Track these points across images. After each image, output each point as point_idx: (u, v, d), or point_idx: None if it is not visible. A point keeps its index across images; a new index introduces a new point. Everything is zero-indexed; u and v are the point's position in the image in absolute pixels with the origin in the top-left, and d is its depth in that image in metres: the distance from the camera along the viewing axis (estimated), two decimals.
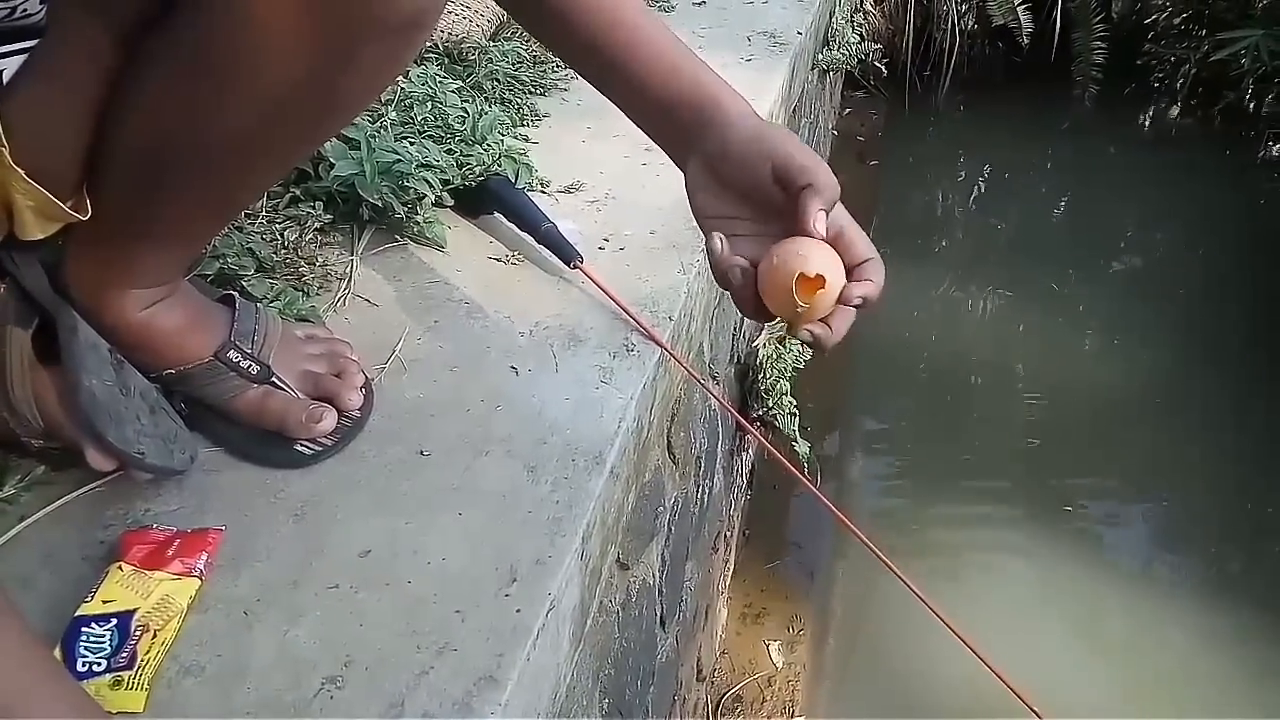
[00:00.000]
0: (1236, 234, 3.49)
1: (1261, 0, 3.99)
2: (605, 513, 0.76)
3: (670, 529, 1.17)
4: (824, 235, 0.65)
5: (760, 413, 1.81)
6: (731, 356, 1.65)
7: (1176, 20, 4.46)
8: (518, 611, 0.62)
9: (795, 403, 1.81)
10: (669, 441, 1.11)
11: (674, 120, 0.71)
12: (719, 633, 1.87)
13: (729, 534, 1.90)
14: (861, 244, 0.67)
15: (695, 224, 0.74)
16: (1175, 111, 4.53)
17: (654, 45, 0.70)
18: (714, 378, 1.41)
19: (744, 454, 2.01)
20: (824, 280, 0.63)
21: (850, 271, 0.67)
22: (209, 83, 0.55)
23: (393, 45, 0.54)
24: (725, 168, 0.69)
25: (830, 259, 0.65)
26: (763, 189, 0.68)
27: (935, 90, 4.15)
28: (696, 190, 0.71)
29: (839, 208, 0.68)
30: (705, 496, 1.46)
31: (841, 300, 0.65)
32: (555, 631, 0.66)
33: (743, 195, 0.69)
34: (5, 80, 0.55)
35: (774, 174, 0.67)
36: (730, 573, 1.98)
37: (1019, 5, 3.96)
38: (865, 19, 3.75)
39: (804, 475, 1.02)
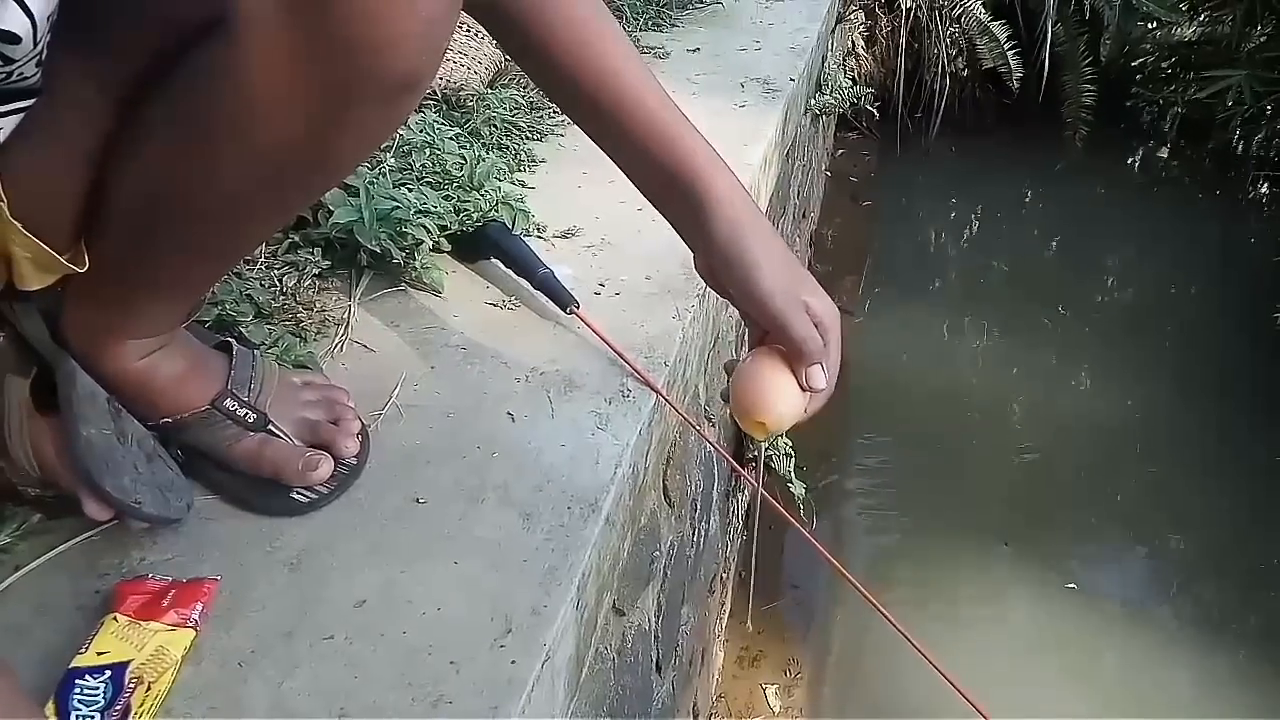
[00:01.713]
0: (1226, 272, 3.52)
1: (1246, 44, 4.06)
2: (601, 560, 0.76)
3: (666, 573, 1.17)
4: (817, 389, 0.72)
5: (755, 454, 1.81)
6: (727, 398, 1.65)
7: (1164, 64, 4.54)
8: (513, 663, 0.62)
9: (791, 443, 1.81)
10: (665, 485, 1.11)
11: (671, 201, 0.76)
12: (715, 676, 1.85)
13: (725, 576, 1.89)
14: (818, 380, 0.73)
15: (690, 269, 0.77)
16: (1164, 152, 4.59)
17: (652, 120, 0.74)
18: (709, 420, 1.41)
19: (739, 495, 2.01)
20: (765, 428, 0.72)
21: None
22: (204, 143, 0.56)
23: (386, 107, 0.54)
24: (724, 282, 0.74)
25: (783, 395, 0.72)
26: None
27: (926, 132, 4.20)
28: (707, 279, 0.77)
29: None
30: (701, 539, 1.46)
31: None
32: (550, 682, 0.66)
33: None
34: (3, 138, 0.56)
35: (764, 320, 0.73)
36: (726, 615, 1.97)
37: (1008, 49, 4.02)
38: (857, 63, 3.82)
39: (796, 518, 1.03)
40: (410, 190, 1.05)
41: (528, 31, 0.73)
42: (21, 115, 0.55)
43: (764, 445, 1.75)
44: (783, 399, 0.71)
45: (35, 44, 0.51)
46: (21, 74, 0.53)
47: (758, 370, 0.73)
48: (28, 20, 0.50)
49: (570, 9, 0.73)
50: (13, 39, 0.49)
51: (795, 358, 0.72)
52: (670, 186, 0.74)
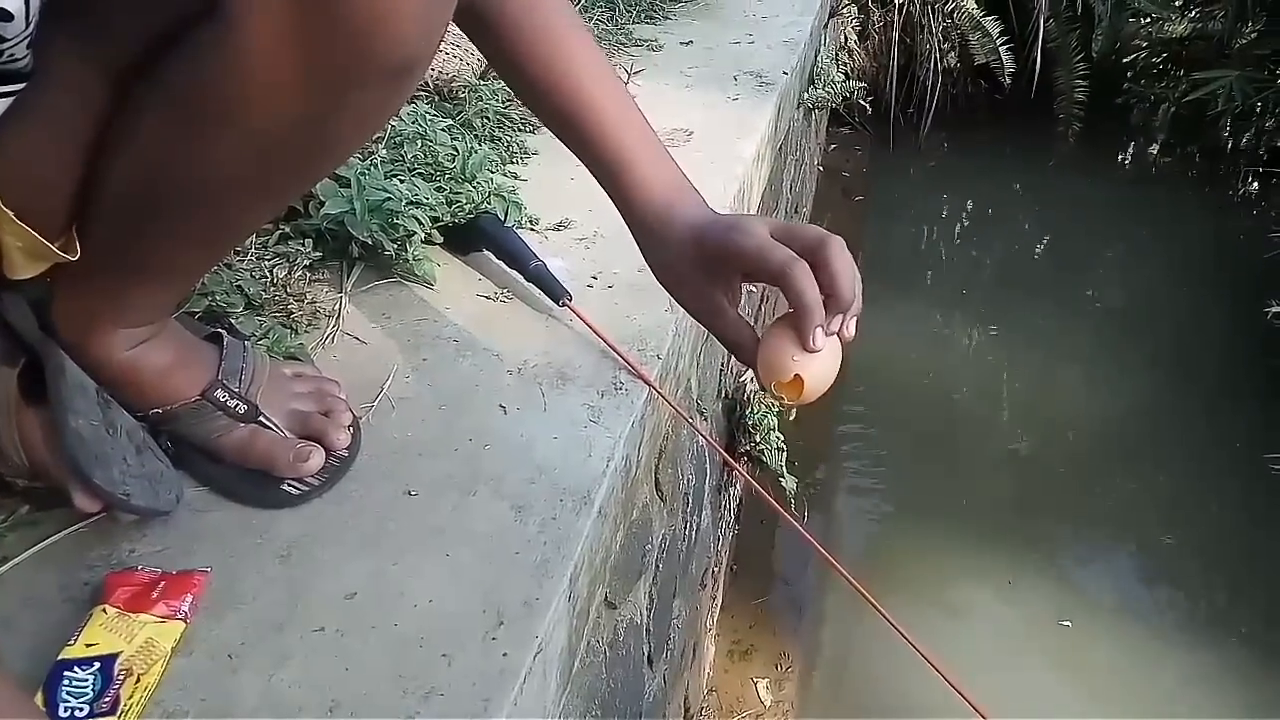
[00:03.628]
0: (1216, 269, 3.53)
1: (1237, 41, 4.08)
2: (593, 553, 0.76)
3: (658, 566, 1.17)
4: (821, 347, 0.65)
5: (748, 447, 1.81)
6: (719, 392, 1.65)
7: (1155, 60, 4.55)
8: (504, 655, 0.62)
9: (783, 437, 1.81)
10: (657, 479, 1.11)
11: (629, 219, 0.76)
12: (707, 670, 1.86)
13: (716, 570, 1.89)
14: (845, 289, 0.66)
15: None
16: (1155, 149, 4.60)
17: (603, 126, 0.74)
18: (701, 414, 1.41)
19: (731, 489, 2.01)
20: (802, 383, 0.65)
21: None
22: (199, 126, 0.56)
23: (383, 92, 0.54)
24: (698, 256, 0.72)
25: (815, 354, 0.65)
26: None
27: (919, 127, 4.20)
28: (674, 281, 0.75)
29: (781, 230, 0.68)
30: (693, 533, 1.46)
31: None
32: (542, 674, 0.66)
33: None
34: None
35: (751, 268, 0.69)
36: (718, 609, 1.97)
37: (1000, 44, 4.02)
38: (850, 58, 3.81)
39: (788, 512, 1.03)
40: (402, 182, 1.05)
41: (501, 42, 0.75)
42: (11, 100, 0.55)
43: (771, 434, 1.75)
44: (804, 356, 0.66)
45: (27, 23, 0.51)
46: (12, 55, 0.52)
47: (778, 331, 0.68)
48: None
49: (541, 20, 0.74)
50: (5, 16, 0.49)
51: (808, 312, 0.66)
52: (623, 203, 0.76)
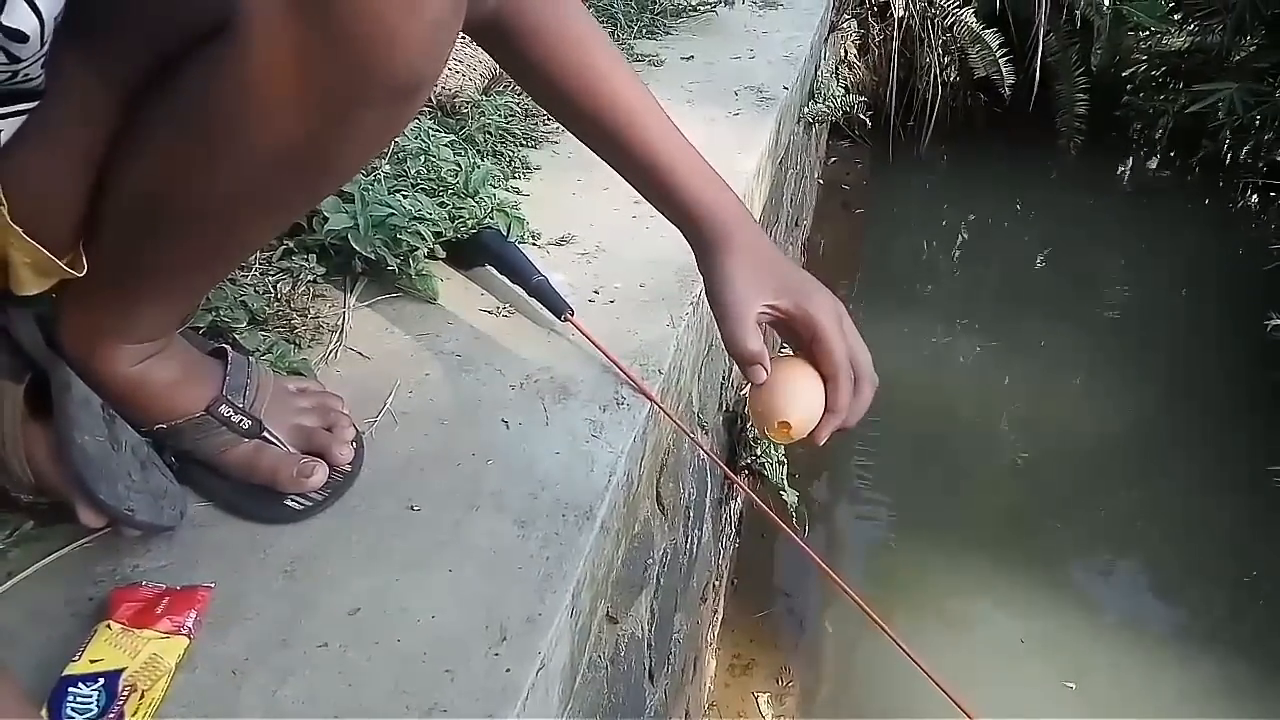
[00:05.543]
0: (1216, 282, 3.54)
1: (1236, 54, 4.09)
2: (595, 568, 0.76)
3: (659, 580, 1.17)
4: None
5: (749, 461, 1.81)
6: (720, 405, 1.65)
7: (1154, 73, 4.57)
8: (507, 671, 0.62)
9: (783, 451, 1.81)
10: (658, 493, 1.11)
11: (676, 223, 0.82)
12: (707, 684, 1.85)
13: (717, 583, 1.89)
14: (863, 371, 0.78)
15: (684, 275, 0.78)
16: (1154, 161, 4.61)
17: (651, 145, 0.80)
18: (703, 428, 1.42)
19: (732, 502, 2.01)
20: (789, 428, 0.75)
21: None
22: (206, 143, 0.56)
23: (389, 111, 0.55)
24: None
25: (810, 397, 0.76)
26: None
27: (919, 140, 4.21)
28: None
29: (848, 328, 0.78)
30: (694, 547, 1.46)
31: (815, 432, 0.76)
32: (544, 690, 0.66)
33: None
34: (5, 140, 0.56)
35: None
36: (719, 623, 1.97)
37: (1000, 57, 4.04)
38: (850, 72, 3.83)
39: (789, 526, 1.04)
40: (405, 197, 1.05)
41: (524, 52, 0.76)
42: (24, 118, 0.55)
43: (772, 448, 1.76)
44: (796, 403, 0.75)
45: (42, 44, 0.51)
46: (27, 75, 0.53)
47: (776, 376, 0.77)
48: (36, 20, 0.50)
49: (564, 31, 0.76)
50: (20, 37, 0.50)
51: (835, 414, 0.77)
52: (666, 206, 0.80)
